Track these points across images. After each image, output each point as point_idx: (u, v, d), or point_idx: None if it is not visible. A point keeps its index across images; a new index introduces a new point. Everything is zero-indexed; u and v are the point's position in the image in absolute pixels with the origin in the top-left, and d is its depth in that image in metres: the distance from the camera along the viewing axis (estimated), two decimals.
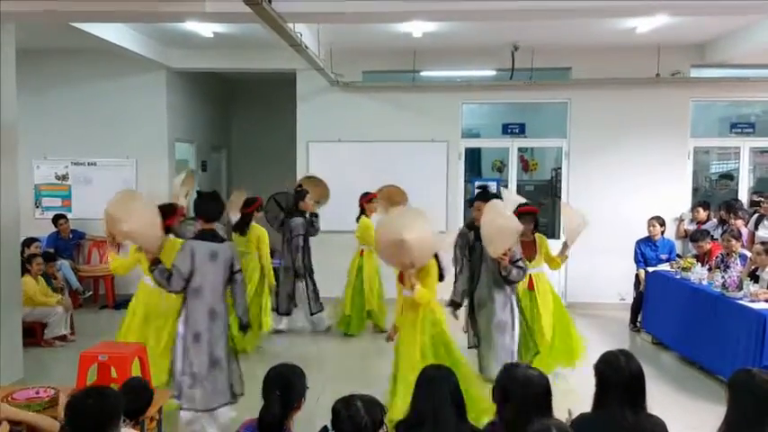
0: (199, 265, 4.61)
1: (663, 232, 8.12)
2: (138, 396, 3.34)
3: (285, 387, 2.97)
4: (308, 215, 7.64)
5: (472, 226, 5.38)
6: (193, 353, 4.66)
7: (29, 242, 7.97)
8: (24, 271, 7.16)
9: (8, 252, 6.17)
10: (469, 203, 6.54)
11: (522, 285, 5.53)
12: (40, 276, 7.48)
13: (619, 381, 2.79)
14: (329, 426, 2.70)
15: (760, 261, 6.27)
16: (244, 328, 4.96)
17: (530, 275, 5.66)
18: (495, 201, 5.10)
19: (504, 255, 4.89)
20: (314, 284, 7.77)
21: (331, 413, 2.69)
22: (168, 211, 5.50)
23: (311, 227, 7.67)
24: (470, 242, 5.36)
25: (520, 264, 5.05)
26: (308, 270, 7.71)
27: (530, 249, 5.74)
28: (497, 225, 4.86)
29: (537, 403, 2.67)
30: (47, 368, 6.67)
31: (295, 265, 7.61)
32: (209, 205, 4.78)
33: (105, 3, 5.45)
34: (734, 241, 6.85)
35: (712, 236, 7.73)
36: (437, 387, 2.95)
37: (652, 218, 8.07)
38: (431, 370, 3.12)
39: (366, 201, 7.77)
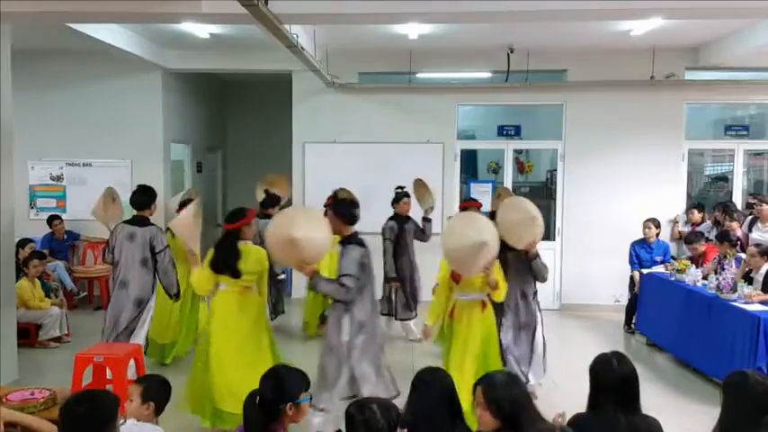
0: (117, 243, 5.75)
1: (658, 234, 8.14)
2: (161, 393, 3.33)
3: (274, 386, 2.83)
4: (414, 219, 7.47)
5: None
6: (107, 313, 5.81)
7: (23, 243, 7.93)
8: (21, 274, 7.15)
9: (3, 253, 6.14)
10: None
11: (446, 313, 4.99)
12: (36, 279, 7.44)
13: (611, 382, 2.81)
14: (343, 430, 2.66)
15: (754, 263, 6.30)
16: (170, 296, 5.90)
17: (455, 301, 4.92)
18: (290, 209, 5.04)
19: (300, 267, 4.36)
20: (404, 291, 7.39)
21: (345, 417, 2.65)
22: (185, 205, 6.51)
23: (421, 232, 7.43)
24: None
25: (344, 281, 4.35)
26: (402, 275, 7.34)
27: None
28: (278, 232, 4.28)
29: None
30: (42, 369, 6.64)
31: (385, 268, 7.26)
32: (137, 197, 5.91)
33: (101, 3, 5.44)
34: (729, 246, 6.88)
35: (707, 237, 7.76)
36: (432, 389, 2.93)
37: (647, 220, 8.10)
38: (425, 372, 3.09)
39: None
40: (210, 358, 4.62)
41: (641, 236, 8.11)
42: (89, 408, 2.54)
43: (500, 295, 4.81)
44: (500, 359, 4.99)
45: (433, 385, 2.95)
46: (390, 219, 7.39)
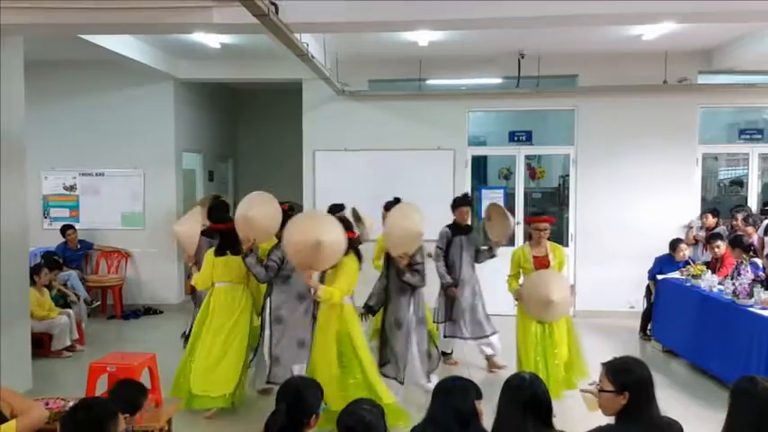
0: None
1: None
2: (129, 393, 3.38)
3: (295, 400, 2.88)
4: None
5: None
6: None
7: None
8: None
9: (16, 262, 6.18)
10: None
11: None
12: (44, 288, 7.46)
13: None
14: None
15: None
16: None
17: None
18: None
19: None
20: None
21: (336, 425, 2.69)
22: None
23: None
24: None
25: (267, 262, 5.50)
26: None
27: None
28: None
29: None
30: (55, 379, 6.66)
31: None
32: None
33: (113, 15, 5.47)
34: (741, 251, 6.80)
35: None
36: (453, 397, 2.90)
37: (677, 241, 7.90)
38: (449, 380, 3.07)
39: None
40: (198, 346, 5.48)
41: (658, 245, 7.95)
42: (85, 413, 2.59)
43: (325, 299, 4.88)
44: (362, 358, 5.08)
45: (454, 393, 2.92)
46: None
